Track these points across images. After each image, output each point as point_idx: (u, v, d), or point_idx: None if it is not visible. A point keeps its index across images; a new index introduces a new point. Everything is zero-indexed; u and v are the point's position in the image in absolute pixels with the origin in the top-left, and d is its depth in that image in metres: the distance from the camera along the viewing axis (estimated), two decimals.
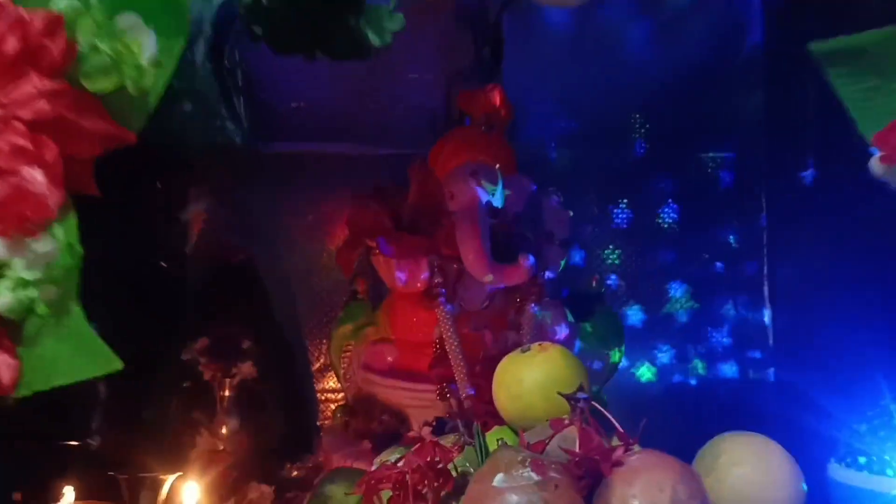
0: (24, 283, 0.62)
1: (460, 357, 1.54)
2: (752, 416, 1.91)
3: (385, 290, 1.71)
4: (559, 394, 0.89)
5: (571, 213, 1.73)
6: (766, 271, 2.09)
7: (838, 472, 1.17)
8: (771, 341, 2.06)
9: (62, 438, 1.34)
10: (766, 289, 2.09)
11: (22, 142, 0.61)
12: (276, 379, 1.80)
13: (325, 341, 1.96)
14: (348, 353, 1.72)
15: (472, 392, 1.50)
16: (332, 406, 1.96)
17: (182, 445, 1.71)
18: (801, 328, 1.99)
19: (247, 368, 1.73)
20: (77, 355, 0.68)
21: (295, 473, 1.89)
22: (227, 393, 1.73)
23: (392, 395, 1.61)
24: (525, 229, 1.67)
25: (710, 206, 2.03)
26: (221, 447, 1.70)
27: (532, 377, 0.93)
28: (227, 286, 1.84)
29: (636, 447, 0.84)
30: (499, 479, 0.77)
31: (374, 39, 0.95)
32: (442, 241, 1.59)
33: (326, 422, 1.96)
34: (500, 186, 1.63)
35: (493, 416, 1.41)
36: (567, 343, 1.65)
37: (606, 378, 1.74)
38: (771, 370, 2.04)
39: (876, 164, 0.94)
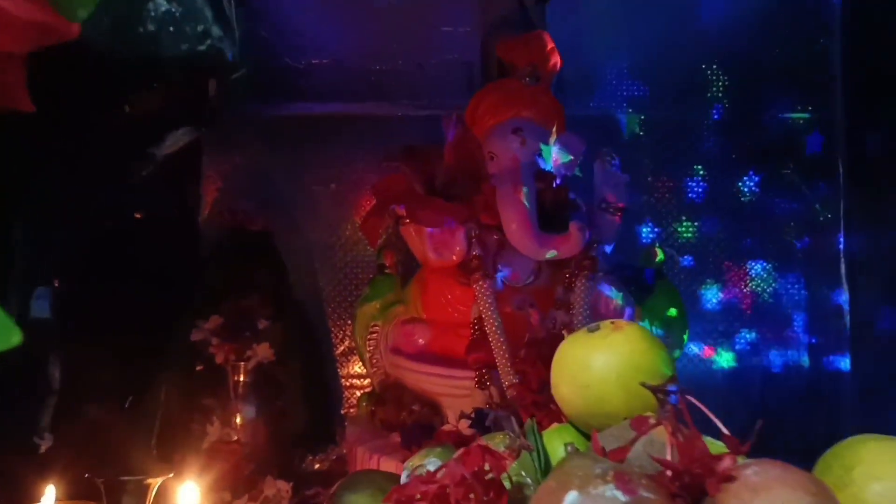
0: None
1: (502, 339, 1.34)
2: (836, 408, 1.72)
3: (415, 264, 1.53)
4: (643, 385, 0.69)
5: (629, 178, 1.51)
6: (842, 247, 1.86)
7: None
8: (849, 325, 1.83)
9: (45, 430, 1.18)
10: (843, 266, 1.85)
11: None
12: (296, 362, 1.66)
13: (349, 321, 1.80)
14: (375, 335, 1.53)
15: (517, 380, 1.30)
16: (358, 393, 1.81)
17: (191, 435, 1.56)
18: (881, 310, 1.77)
19: (263, 350, 1.59)
20: None
21: (317, 466, 1.75)
22: (241, 378, 1.59)
23: (424, 381, 1.41)
24: (576, 195, 1.47)
25: (786, 174, 1.81)
26: (235, 438, 1.56)
27: (605, 363, 0.73)
28: (243, 258, 1.68)
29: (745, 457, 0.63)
30: (572, 498, 0.57)
31: None
32: (481, 208, 1.41)
33: (351, 410, 1.82)
34: (547, 146, 1.45)
35: (541, 409, 1.22)
36: None
37: None
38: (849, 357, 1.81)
39: None
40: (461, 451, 0.67)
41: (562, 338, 1.34)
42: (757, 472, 0.60)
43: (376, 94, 1.84)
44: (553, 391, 0.81)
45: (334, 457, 1.76)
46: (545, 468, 0.73)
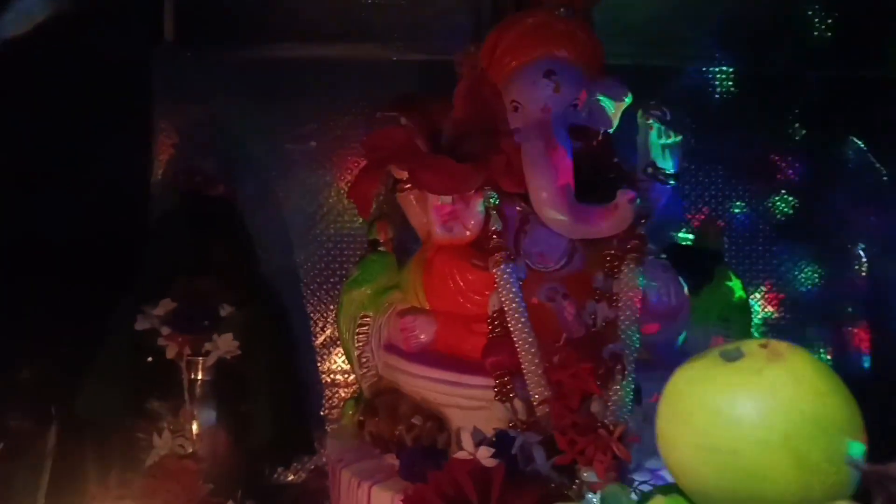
0: None
1: (530, 339, 1.07)
2: None
3: (417, 240, 1.29)
4: (853, 464, 0.40)
5: (681, 138, 1.22)
6: None
7: None
8: None
9: None
10: None
11: None
12: (267, 356, 1.39)
13: (332, 306, 1.55)
14: (365, 328, 1.27)
15: (550, 393, 1.02)
16: (342, 392, 1.56)
17: (134, 448, 1.29)
18: None
19: (226, 343, 1.33)
20: None
21: (291, 478, 1.51)
22: (198, 376, 1.34)
23: (426, 389, 1.14)
24: (620, 157, 1.22)
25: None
26: (189, 450, 1.30)
27: (764, 416, 0.44)
28: (201, 229, 1.41)
29: None
30: None
31: None
32: (501, 171, 1.14)
33: (334, 411, 1.55)
34: (587, 94, 1.19)
35: (584, 433, 0.95)
36: (681, 324, 1.17)
37: None
38: None
39: None
40: None
41: (605, 338, 1.09)
42: None
43: (365, 33, 1.57)
44: (661, 448, 0.52)
45: (312, 467, 1.51)
46: None
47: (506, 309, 1.09)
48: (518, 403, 1.05)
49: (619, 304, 1.09)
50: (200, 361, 1.32)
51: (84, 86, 1.34)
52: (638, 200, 1.11)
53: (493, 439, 0.98)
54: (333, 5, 1.56)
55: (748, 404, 0.46)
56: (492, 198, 1.14)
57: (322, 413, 1.56)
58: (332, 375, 1.57)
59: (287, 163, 1.55)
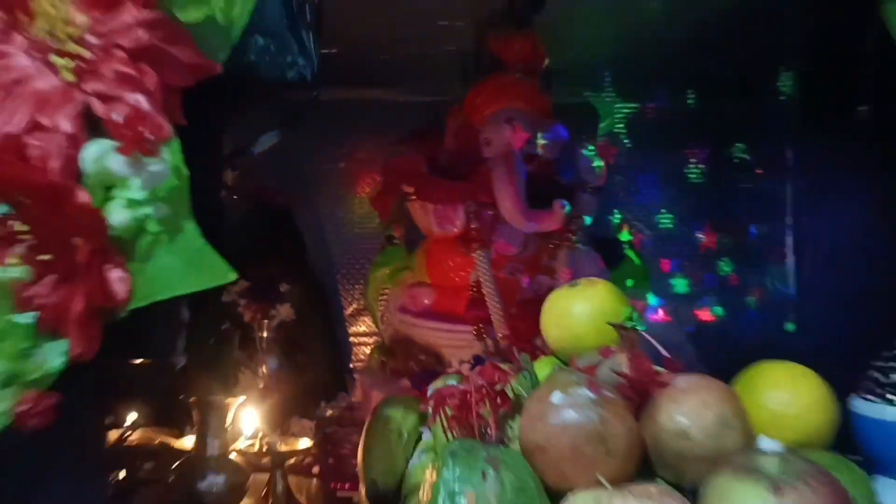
0: (137, 203, 0.66)
1: (497, 300, 1.58)
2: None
3: (420, 236, 1.74)
4: (609, 324, 0.93)
5: (592, 161, 1.70)
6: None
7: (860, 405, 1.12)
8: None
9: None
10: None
11: (125, 69, 0.63)
12: (313, 321, 1.86)
13: (358, 286, 2.00)
14: (385, 297, 1.75)
15: (509, 333, 1.54)
16: (365, 349, 2.02)
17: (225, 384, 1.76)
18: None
19: (285, 310, 1.79)
20: (190, 268, 0.72)
21: (329, 413, 1.96)
22: (266, 334, 1.78)
23: (429, 335, 1.64)
24: (560, 176, 1.70)
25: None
26: (261, 385, 1.76)
27: (581, 309, 0.97)
28: (267, 229, 1.86)
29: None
30: (556, 396, 0.81)
31: None
32: (478, 187, 1.61)
33: (359, 364, 2.03)
34: (536, 133, 1.64)
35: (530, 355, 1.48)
36: None
37: None
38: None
39: None
40: (479, 367, 0.91)
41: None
42: (685, 381, 0.85)
43: (380, 80, 1.97)
44: (542, 332, 1.05)
45: (345, 404, 1.98)
46: (535, 385, 0.98)
47: (481, 280, 1.59)
48: (489, 341, 1.56)
49: (557, 277, 1.62)
50: (267, 323, 1.76)
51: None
52: (568, 207, 1.62)
53: (472, 361, 1.50)
54: (353, 57, 1.87)
55: (576, 305, 0.99)
56: (472, 205, 1.61)
57: (351, 365, 2.02)
58: (358, 337, 2.02)
59: (324, 180, 1.99)
